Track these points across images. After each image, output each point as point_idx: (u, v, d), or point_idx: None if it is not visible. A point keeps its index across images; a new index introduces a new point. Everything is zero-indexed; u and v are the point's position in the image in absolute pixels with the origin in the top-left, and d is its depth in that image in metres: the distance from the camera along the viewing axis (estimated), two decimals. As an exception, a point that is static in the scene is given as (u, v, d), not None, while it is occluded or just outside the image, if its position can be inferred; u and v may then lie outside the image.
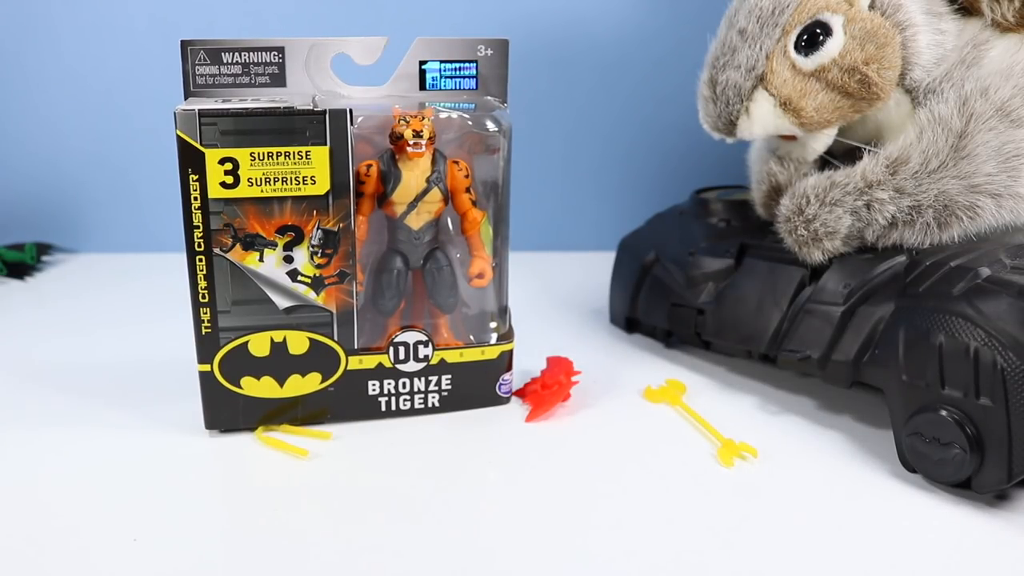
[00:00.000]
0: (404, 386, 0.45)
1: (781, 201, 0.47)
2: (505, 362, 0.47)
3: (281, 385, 0.43)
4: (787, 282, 0.47)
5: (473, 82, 0.45)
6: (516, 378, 0.48)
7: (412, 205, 0.43)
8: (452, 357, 0.46)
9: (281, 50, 0.43)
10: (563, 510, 0.37)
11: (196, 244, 0.41)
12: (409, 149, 0.42)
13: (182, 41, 0.42)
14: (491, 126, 0.45)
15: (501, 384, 0.47)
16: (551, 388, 0.47)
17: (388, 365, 0.45)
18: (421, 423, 0.45)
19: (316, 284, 0.42)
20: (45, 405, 0.47)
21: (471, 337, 0.47)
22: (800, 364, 0.45)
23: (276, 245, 0.41)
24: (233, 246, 0.41)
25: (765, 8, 0.45)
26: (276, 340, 0.43)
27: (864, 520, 0.37)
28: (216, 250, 0.41)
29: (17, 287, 0.68)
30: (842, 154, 0.48)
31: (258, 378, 0.43)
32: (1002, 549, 0.35)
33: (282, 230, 0.41)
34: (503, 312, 0.48)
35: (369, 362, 0.44)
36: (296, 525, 0.36)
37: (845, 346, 0.44)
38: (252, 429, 0.44)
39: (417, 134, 0.42)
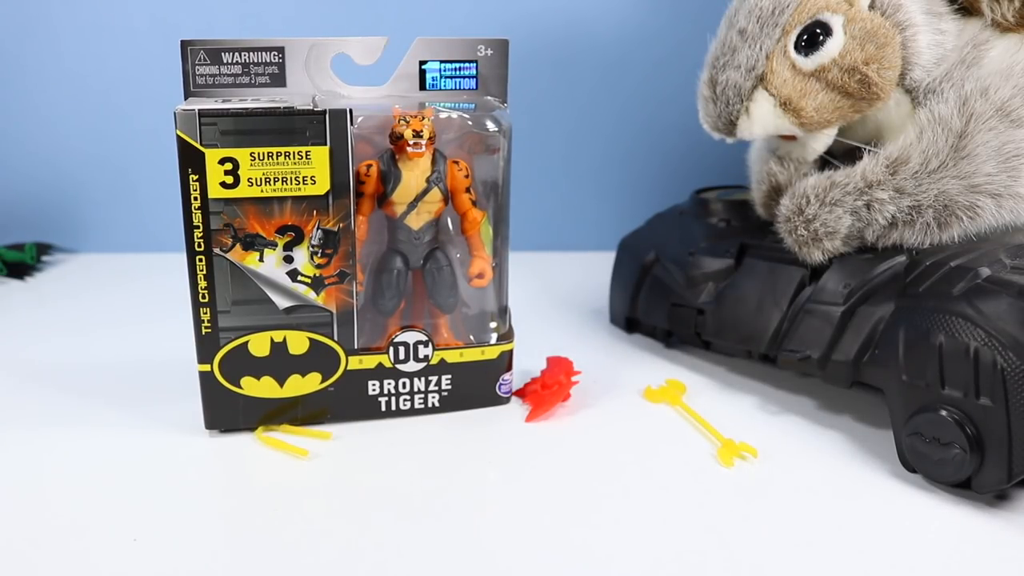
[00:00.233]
0: (404, 386, 0.45)
1: (781, 201, 0.47)
2: (505, 362, 0.47)
3: (281, 385, 0.43)
4: (787, 282, 0.47)
5: (473, 82, 0.45)
6: (516, 378, 0.48)
7: (412, 205, 0.43)
8: (452, 357, 0.46)
9: (281, 50, 0.43)
10: (563, 510, 0.37)
11: (196, 244, 0.41)
12: (409, 149, 0.42)
13: (182, 41, 0.42)
14: (491, 126, 0.44)
15: (501, 384, 0.47)
16: (551, 388, 0.47)
17: (388, 365, 0.45)
18: (421, 423, 0.45)
19: (316, 284, 0.42)
20: (45, 405, 0.47)
21: (471, 337, 0.47)
22: (800, 364, 0.45)
23: (276, 245, 0.41)
24: (233, 246, 0.41)
25: (765, 8, 0.45)
26: (276, 340, 0.43)
27: (864, 520, 0.37)
28: (216, 250, 0.41)
29: (17, 287, 0.68)
30: (842, 154, 0.48)
31: (258, 378, 0.43)
32: (1002, 549, 0.35)
33: (282, 230, 0.41)
34: (503, 312, 0.48)
35: (369, 362, 0.44)
36: (296, 525, 0.36)
37: (845, 346, 0.44)
38: (252, 429, 0.44)
39: (417, 134, 0.42)
